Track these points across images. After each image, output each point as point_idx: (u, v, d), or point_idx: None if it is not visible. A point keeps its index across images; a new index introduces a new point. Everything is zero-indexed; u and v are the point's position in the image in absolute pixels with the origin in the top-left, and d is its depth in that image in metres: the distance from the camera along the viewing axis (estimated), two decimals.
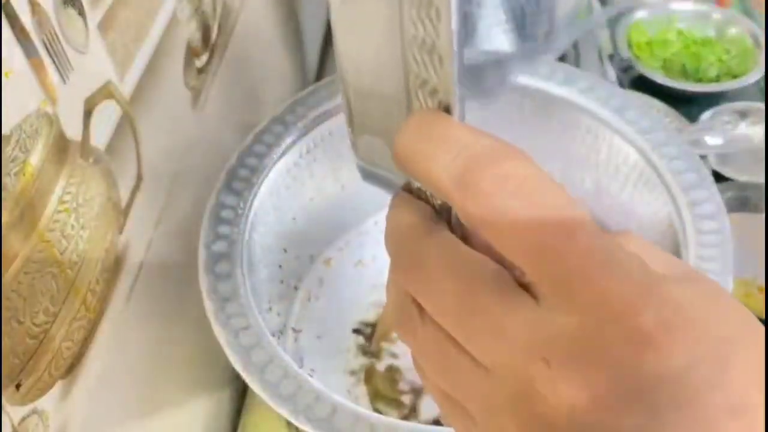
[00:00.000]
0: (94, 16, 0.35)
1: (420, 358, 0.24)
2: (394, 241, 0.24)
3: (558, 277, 0.19)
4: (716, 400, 0.18)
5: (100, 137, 0.37)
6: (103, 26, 0.36)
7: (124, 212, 0.40)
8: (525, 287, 0.21)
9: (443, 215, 0.24)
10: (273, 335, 0.43)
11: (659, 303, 0.18)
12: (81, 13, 0.34)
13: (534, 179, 0.20)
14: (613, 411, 0.18)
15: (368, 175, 0.28)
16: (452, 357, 0.22)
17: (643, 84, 0.79)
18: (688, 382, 0.18)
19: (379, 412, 0.44)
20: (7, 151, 0.29)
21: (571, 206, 0.20)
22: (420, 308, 0.23)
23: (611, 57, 0.83)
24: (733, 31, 0.84)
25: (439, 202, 0.24)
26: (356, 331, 0.58)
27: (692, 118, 0.75)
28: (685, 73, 0.81)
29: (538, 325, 0.19)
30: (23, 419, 0.31)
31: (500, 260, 0.21)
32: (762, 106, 0.74)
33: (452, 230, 0.24)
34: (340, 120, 0.55)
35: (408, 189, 0.25)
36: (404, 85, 0.22)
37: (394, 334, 0.57)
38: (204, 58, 0.50)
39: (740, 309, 0.20)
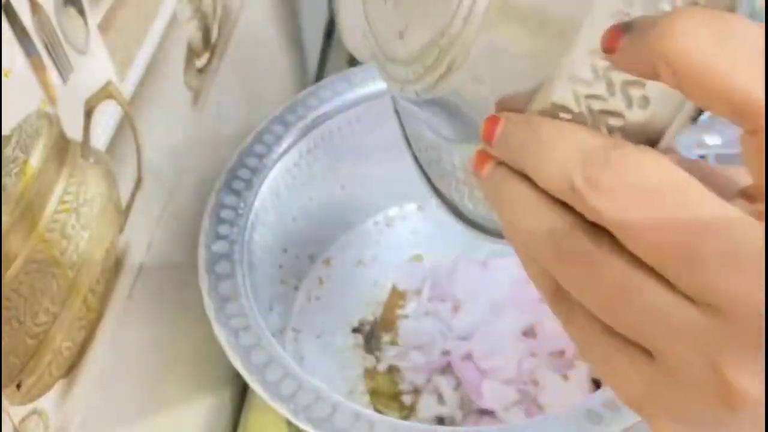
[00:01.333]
0: (94, 16, 0.35)
1: (595, 292, 0.20)
2: (567, 161, 0.20)
3: None
4: None
5: (100, 137, 0.37)
6: (104, 26, 0.36)
7: (125, 212, 0.40)
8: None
9: None
10: (273, 335, 0.43)
11: None
12: (81, 13, 0.34)
13: None
14: None
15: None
16: (646, 290, 0.19)
17: None
18: None
19: (379, 412, 0.44)
20: (7, 151, 0.29)
21: None
22: (597, 239, 0.20)
23: None
24: None
25: (618, 123, 0.21)
26: (356, 330, 0.58)
27: None
28: None
29: None
30: (23, 419, 0.31)
31: None
32: None
33: None
34: (340, 120, 0.56)
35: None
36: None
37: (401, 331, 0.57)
38: (204, 58, 0.50)
39: None
